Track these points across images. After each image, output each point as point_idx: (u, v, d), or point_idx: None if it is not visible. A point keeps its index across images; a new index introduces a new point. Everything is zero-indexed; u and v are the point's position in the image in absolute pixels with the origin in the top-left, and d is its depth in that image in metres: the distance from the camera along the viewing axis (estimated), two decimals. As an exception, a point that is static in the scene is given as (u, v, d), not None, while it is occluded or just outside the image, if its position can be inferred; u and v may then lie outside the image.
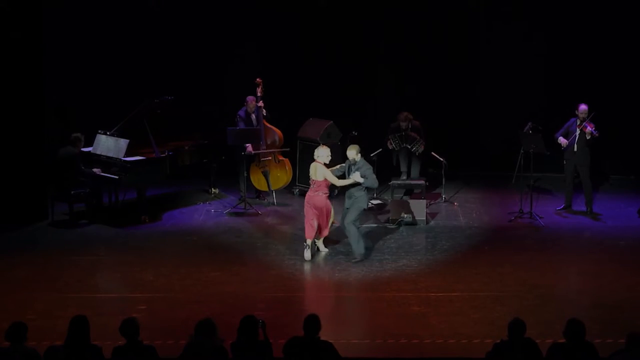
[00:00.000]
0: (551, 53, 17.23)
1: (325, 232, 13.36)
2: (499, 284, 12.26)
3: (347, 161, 13.24)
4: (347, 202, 13.19)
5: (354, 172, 13.00)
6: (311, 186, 13.24)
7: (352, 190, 13.13)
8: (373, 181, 13.14)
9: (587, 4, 16.94)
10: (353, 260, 13.04)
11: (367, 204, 13.46)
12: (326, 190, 13.16)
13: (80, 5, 16.87)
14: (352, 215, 13.09)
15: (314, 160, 13.24)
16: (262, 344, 8.28)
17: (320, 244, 13.44)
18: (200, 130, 15.81)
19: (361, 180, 12.98)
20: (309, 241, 13.14)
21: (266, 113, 15.79)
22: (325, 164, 13.17)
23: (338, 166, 13.38)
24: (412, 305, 11.51)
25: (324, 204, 13.15)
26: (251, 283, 12.36)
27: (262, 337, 8.31)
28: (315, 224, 13.10)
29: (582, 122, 14.73)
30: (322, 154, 13.17)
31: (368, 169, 13.11)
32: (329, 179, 13.07)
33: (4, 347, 8.29)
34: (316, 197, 13.11)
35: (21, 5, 14.42)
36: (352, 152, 13.15)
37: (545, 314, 11.11)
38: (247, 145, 15.46)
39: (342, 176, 13.24)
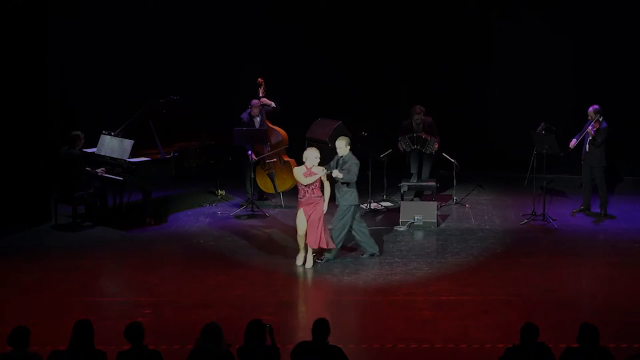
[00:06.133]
0: (565, 53, 17.16)
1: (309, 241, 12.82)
2: (511, 287, 12.16)
3: (335, 156, 12.93)
4: (337, 199, 12.93)
5: (341, 168, 12.69)
6: (304, 190, 12.70)
7: (339, 184, 12.80)
8: (353, 176, 12.73)
9: (603, 3, 16.80)
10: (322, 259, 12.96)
11: (356, 201, 12.94)
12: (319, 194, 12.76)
13: (86, 4, 16.80)
14: (337, 215, 12.84)
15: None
16: (270, 348, 8.17)
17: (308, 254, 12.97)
18: (207, 130, 15.69)
19: (340, 176, 12.67)
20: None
21: (276, 105, 15.64)
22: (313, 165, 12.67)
23: (323, 167, 12.79)
24: (422, 309, 11.43)
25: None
26: (258, 287, 12.26)
27: (270, 341, 8.20)
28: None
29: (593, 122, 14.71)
30: (312, 155, 12.66)
31: (355, 163, 12.77)
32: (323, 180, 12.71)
33: (6, 352, 8.18)
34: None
35: (26, 6, 14.37)
36: (342, 144, 12.80)
37: (558, 317, 11.00)
38: (250, 153, 15.37)
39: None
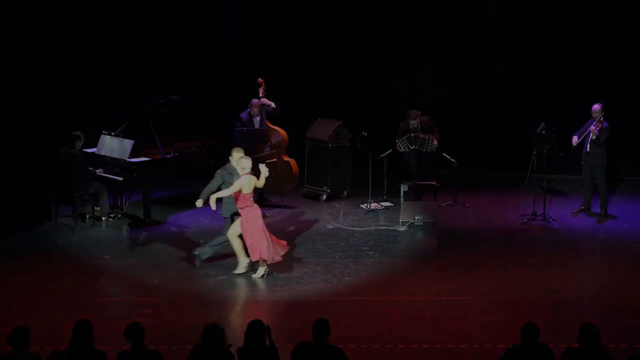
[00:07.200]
0: (566, 52, 17.10)
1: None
2: (512, 287, 12.14)
3: (227, 165, 12.50)
4: (224, 211, 12.57)
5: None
6: (252, 198, 12.27)
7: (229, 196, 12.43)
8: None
9: (603, 3, 16.81)
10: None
11: None
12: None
13: (86, 4, 16.77)
14: (235, 225, 12.45)
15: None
16: (269, 349, 8.15)
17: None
18: (207, 130, 15.66)
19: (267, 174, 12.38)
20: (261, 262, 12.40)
21: (276, 105, 15.63)
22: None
23: (217, 177, 12.51)
24: (423, 310, 11.41)
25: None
26: (258, 287, 12.23)
27: (268, 341, 8.17)
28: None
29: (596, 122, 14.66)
30: (248, 165, 12.20)
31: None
32: (258, 185, 12.38)
33: (6, 352, 8.17)
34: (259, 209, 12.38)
35: (26, 5, 14.37)
36: (240, 155, 12.32)
37: (558, 318, 10.99)
38: None
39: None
